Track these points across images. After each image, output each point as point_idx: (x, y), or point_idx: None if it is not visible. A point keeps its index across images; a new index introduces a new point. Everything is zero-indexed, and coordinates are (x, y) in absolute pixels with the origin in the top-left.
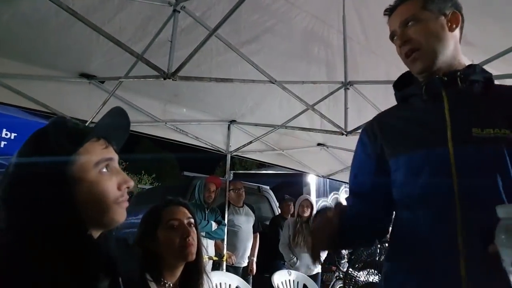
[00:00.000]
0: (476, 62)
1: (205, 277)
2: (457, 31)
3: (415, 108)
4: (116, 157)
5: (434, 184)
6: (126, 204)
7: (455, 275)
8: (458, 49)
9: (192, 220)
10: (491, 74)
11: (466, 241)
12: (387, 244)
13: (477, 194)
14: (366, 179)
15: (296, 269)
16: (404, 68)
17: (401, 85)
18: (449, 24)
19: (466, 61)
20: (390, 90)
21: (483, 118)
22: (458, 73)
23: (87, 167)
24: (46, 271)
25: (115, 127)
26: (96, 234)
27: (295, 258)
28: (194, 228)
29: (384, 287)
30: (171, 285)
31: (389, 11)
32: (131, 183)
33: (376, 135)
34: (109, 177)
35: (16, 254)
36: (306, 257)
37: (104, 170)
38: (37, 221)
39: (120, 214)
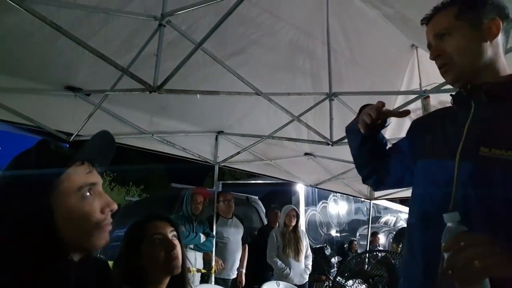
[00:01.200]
0: None
1: None
2: (497, 39)
3: (451, 115)
4: (100, 180)
5: (435, 194)
6: (109, 227)
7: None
8: (498, 56)
9: (176, 233)
10: None
11: None
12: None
13: (470, 210)
14: (399, 152)
15: (290, 279)
16: (387, 80)
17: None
18: (488, 33)
19: (507, 68)
20: (374, 101)
21: (496, 137)
22: (484, 86)
23: (70, 192)
24: None
25: (100, 150)
26: (77, 257)
27: (287, 268)
28: (178, 241)
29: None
30: None
31: (426, 21)
32: (115, 206)
33: (411, 137)
34: (92, 201)
35: None
36: (298, 266)
37: (87, 194)
38: (18, 245)
39: (102, 239)
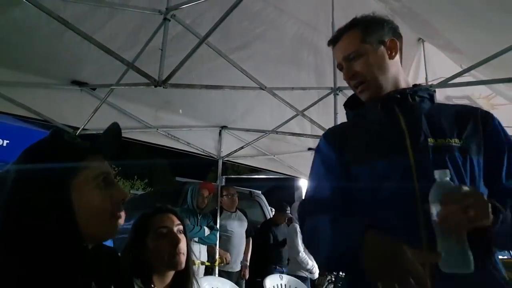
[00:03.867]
0: (463, 67)
1: (194, 282)
2: (397, 57)
3: (372, 123)
4: (111, 170)
5: (398, 189)
6: (120, 217)
7: None
8: (399, 71)
9: (181, 227)
10: (434, 91)
11: (428, 236)
12: None
13: None
14: (331, 185)
15: (313, 275)
16: None
17: (350, 104)
18: (389, 52)
19: (407, 80)
20: None
21: (435, 129)
22: (407, 90)
23: (87, 181)
24: (41, 280)
25: (111, 142)
26: (90, 245)
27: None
28: (183, 235)
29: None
30: None
31: (332, 43)
32: (126, 195)
33: (339, 144)
34: (106, 190)
35: (10, 264)
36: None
37: (102, 183)
38: (36, 231)
39: (114, 228)
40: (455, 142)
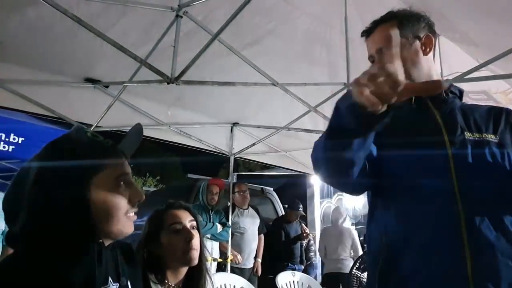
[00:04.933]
0: (480, 62)
1: (208, 278)
2: (431, 53)
3: (406, 118)
4: (130, 171)
5: (436, 182)
6: (134, 217)
7: (461, 269)
8: (432, 68)
9: (195, 223)
10: (463, 89)
11: (470, 234)
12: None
13: (476, 189)
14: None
15: None
16: None
17: None
18: (423, 48)
19: (440, 77)
20: None
21: (470, 124)
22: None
23: (108, 180)
24: (60, 274)
25: (133, 144)
26: (107, 242)
27: None
28: (197, 231)
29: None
30: (174, 286)
31: (366, 33)
32: (143, 197)
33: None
34: (124, 191)
35: (30, 259)
36: None
37: (122, 183)
38: (55, 227)
39: (129, 227)
40: (491, 137)
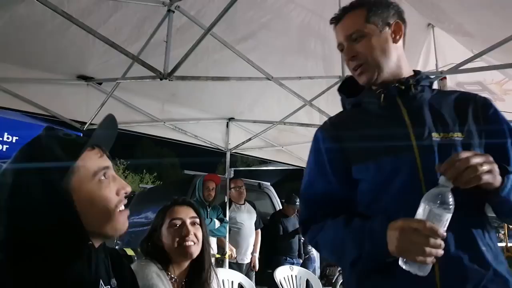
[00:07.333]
0: (475, 52)
1: (213, 274)
2: (401, 41)
3: (372, 114)
4: (111, 164)
5: (405, 188)
6: (127, 212)
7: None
8: (402, 57)
9: (197, 220)
10: (433, 79)
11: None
12: None
13: None
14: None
15: None
16: None
17: (346, 90)
18: (393, 35)
19: (408, 67)
20: None
21: (438, 123)
22: (411, 80)
23: (86, 177)
24: (48, 280)
25: (108, 135)
26: (98, 243)
27: None
28: (199, 227)
29: None
30: (177, 279)
31: (335, 21)
32: (129, 188)
33: (338, 139)
34: (108, 185)
35: (16, 266)
36: None
37: (103, 178)
38: (39, 232)
39: (123, 223)
40: (457, 136)
